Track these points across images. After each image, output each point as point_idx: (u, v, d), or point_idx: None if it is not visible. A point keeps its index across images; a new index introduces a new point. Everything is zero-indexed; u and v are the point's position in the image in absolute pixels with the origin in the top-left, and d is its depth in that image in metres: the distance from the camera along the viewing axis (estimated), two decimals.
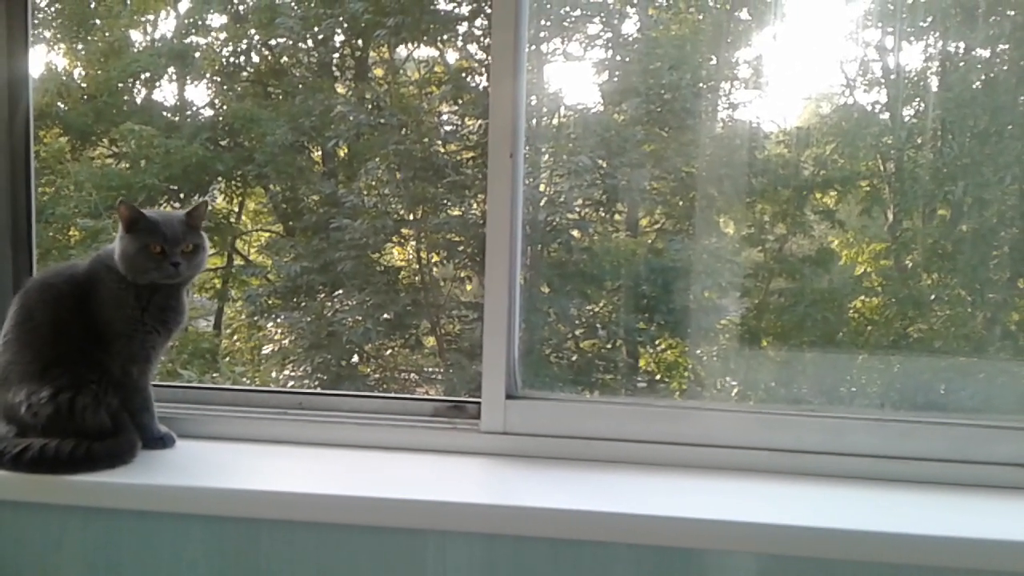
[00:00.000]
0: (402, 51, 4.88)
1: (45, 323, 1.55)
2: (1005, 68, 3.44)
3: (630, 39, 4.44)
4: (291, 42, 5.00)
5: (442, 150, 4.43)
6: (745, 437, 1.60)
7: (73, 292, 1.56)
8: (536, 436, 1.64)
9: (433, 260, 4.55)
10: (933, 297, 3.58)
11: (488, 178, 1.63)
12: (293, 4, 4.90)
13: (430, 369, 4.65)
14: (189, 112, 5.12)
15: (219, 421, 1.72)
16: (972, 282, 3.47)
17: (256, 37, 5.07)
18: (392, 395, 1.94)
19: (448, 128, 4.59)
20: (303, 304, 4.55)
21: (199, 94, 5.76)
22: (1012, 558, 1.30)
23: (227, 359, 4.92)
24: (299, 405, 1.76)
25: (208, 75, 5.09)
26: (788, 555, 1.37)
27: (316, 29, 4.89)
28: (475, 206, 4.32)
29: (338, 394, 1.77)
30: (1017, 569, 1.31)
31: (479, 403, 1.67)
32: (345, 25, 4.86)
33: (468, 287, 4.51)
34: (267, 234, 5.23)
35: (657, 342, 4.07)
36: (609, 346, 4.25)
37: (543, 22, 4.06)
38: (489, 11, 4.50)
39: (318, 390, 1.66)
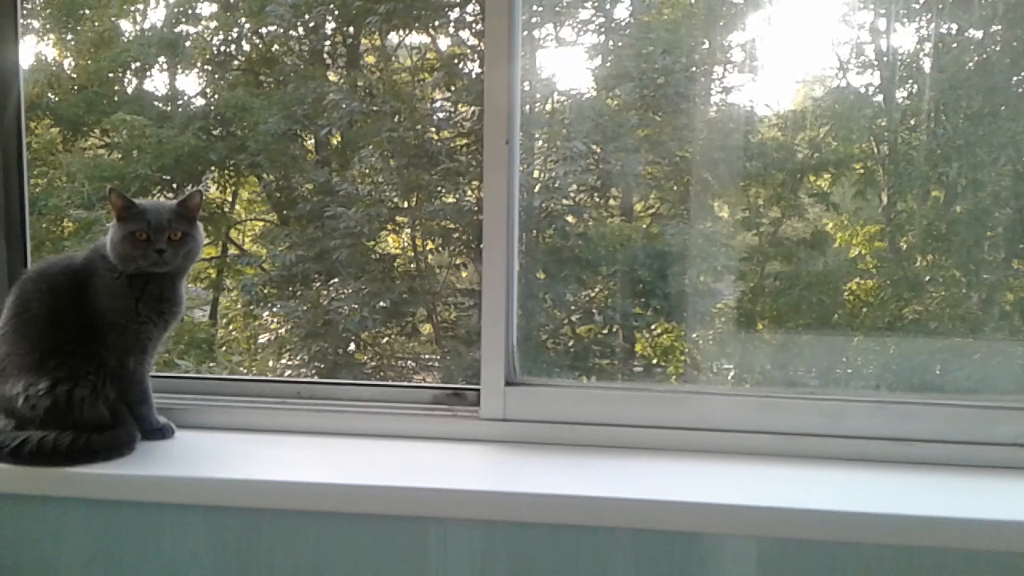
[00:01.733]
0: (393, 38, 4.86)
1: (42, 314, 1.55)
2: (998, 49, 3.44)
3: (623, 23, 4.42)
4: (282, 30, 4.97)
5: (435, 137, 4.42)
6: (745, 421, 1.60)
7: (70, 283, 1.56)
8: (535, 422, 1.65)
9: (428, 247, 4.55)
10: (928, 278, 3.59)
11: (484, 165, 1.63)
12: None
13: (427, 356, 4.65)
14: (180, 102, 5.09)
15: (218, 411, 1.72)
16: (967, 263, 3.48)
17: (247, 25, 5.04)
18: (391, 383, 1.94)
19: (441, 115, 4.57)
20: (299, 293, 4.54)
21: (190, 83, 5.72)
22: (1013, 538, 1.31)
23: (223, 349, 4.91)
24: (298, 394, 1.76)
25: (199, 64, 5.06)
26: (789, 538, 1.37)
27: (307, 17, 4.86)
28: (469, 193, 4.31)
29: (337, 383, 1.77)
30: (1018, 549, 1.31)
31: (478, 390, 1.68)
32: (336, 12, 4.83)
33: (463, 274, 4.51)
34: (261, 223, 5.22)
35: (653, 327, 4.07)
36: (605, 331, 4.25)
37: (535, 7, 4.04)
38: None
39: (316, 379, 1.66)
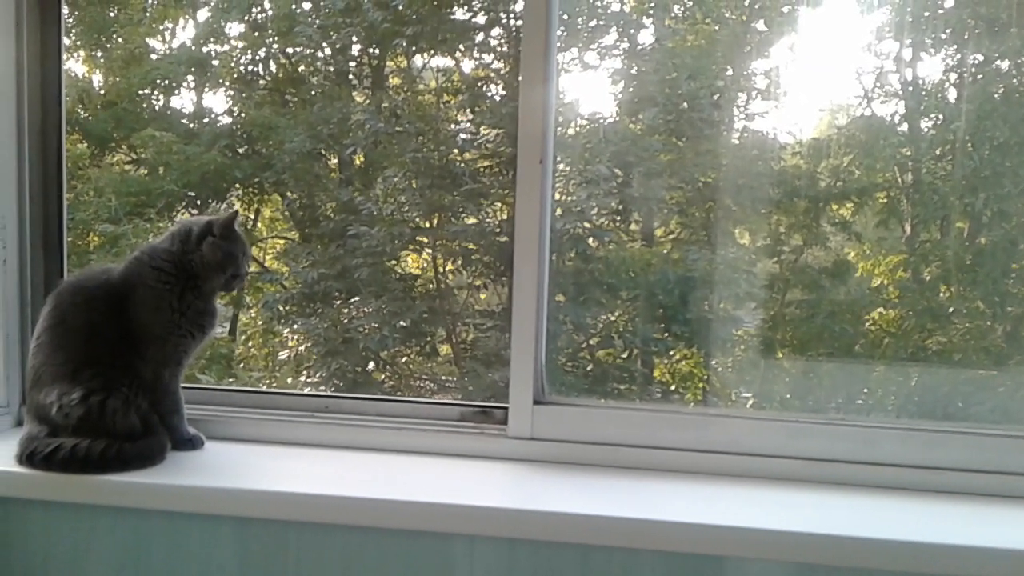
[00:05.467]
0: (419, 60, 4.91)
1: (77, 327, 1.56)
2: None
3: (647, 49, 4.45)
4: (309, 50, 5.04)
5: (458, 158, 4.44)
6: (773, 445, 1.59)
7: (107, 295, 1.57)
8: (563, 442, 1.64)
9: (448, 268, 4.56)
10: (952, 310, 3.57)
11: (517, 185, 1.64)
12: (311, 13, 4.94)
13: (444, 377, 4.65)
14: (207, 119, 5.16)
15: (247, 423, 1.73)
16: (992, 295, 3.46)
17: (274, 45, 5.10)
18: (419, 399, 1.94)
19: (465, 136, 4.60)
20: (319, 311, 4.56)
21: (217, 102, 5.80)
22: None
23: (241, 365, 4.93)
24: (326, 408, 1.76)
25: (226, 83, 5.12)
26: (816, 563, 1.36)
27: (334, 38, 4.92)
28: (491, 214, 4.33)
29: (364, 398, 1.77)
30: None
31: (506, 408, 1.67)
32: (362, 34, 4.88)
33: (483, 295, 4.52)
34: (283, 241, 5.26)
35: (672, 352, 4.07)
36: (624, 356, 4.25)
37: (560, 32, 4.07)
38: (505, 21, 4.54)
39: (345, 394, 1.67)
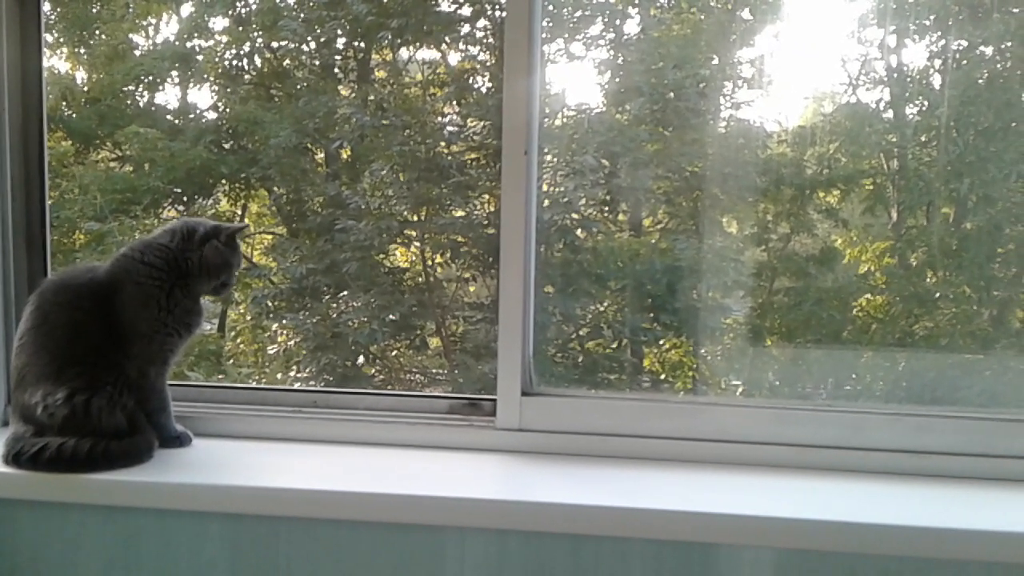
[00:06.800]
0: (404, 53, 4.89)
1: (60, 326, 1.55)
2: (1009, 65, 3.45)
3: (633, 39, 4.44)
4: (294, 44, 5.01)
5: (446, 151, 4.43)
6: (761, 432, 1.60)
7: (92, 293, 1.56)
8: (551, 433, 1.65)
9: (437, 261, 4.55)
10: (938, 295, 3.58)
11: (502, 176, 1.64)
12: (296, 7, 4.91)
13: (435, 370, 4.65)
14: (192, 115, 5.13)
15: (235, 420, 1.72)
16: (977, 279, 3.48)
17: (259, 40, 5.07)
18: (407, 393, 1.94)
19: (451, 129, 4.59)
20: (308, 306, 4.54)
21: (202, 97, 5.76)
22: None
23: (231, 361, 4.92)
24: (314, 403, 1.76)
25: (211, 78, 5.09)
26: (806, 549, 1.37)
27: (319, 31, 4.89)
28: (479, 207, 4.32)
29: (353, 392, 1.77)
30: None
31: (494, 400, 1.68)
32: (347, 27, 4.86)
33: (472, 288, 4.52)
34: (270, 236, 5.24)
35: (661, 342, 4.07)
36: (614, 346, 4.25)
37: (545, 22, 4.06)
38: (491, 13, 4.52)
39: (333, 388, 1.66)
